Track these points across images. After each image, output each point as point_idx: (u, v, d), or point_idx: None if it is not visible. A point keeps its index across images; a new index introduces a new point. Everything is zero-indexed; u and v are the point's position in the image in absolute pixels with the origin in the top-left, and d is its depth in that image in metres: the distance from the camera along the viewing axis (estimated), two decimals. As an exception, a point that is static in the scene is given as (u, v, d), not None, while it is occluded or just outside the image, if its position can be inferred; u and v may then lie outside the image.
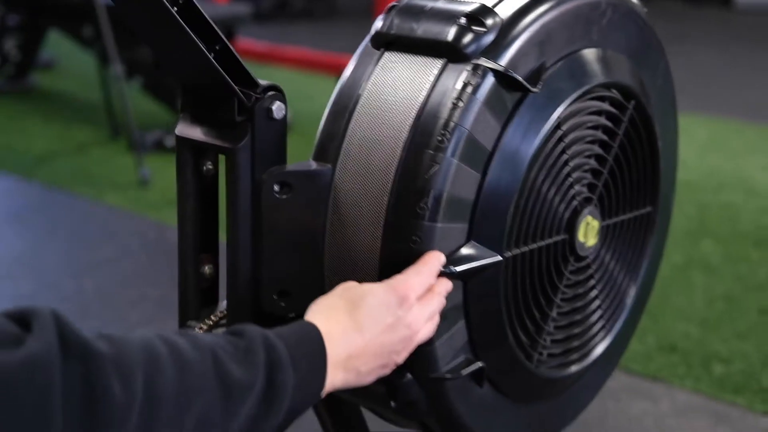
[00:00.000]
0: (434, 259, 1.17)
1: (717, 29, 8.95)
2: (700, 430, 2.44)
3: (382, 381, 1.19)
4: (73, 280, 3.25)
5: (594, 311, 1.44)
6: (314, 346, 1.03)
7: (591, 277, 1.42)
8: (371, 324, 1.09)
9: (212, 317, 1.29)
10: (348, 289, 1.13)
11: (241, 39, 4.54)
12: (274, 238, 1.21)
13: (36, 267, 3.41)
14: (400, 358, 1.13)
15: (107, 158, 4.70)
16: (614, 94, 1.37)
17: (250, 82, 1.20)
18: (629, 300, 1.50)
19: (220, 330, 1.26)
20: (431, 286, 1.16)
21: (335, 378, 1.06)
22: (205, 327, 1.27)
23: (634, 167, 1.44)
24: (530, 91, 1.22)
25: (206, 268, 1.30)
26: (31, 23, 5.75)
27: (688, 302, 3.11)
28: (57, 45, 6.50)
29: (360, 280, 1.19)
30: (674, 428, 2.45)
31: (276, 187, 1.20)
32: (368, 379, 1.11)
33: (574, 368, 1.42)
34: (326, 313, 1.09)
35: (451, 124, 1.17)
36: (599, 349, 1.45)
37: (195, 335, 0.96)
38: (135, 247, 3.65)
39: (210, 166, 1.27)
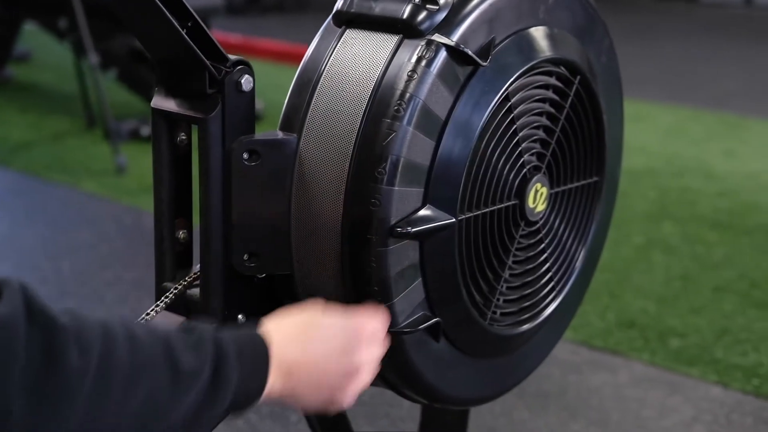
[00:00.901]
0: (386, 312, 1.24)
1: (683, 22, 9.04)
2: (655, 399, 2.51)
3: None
4: (51, 262, 3.32)
5: (545, 273, 1.51)
6: (260, 349, 1.07)
7: (541, 240, 1.49)
8: (319, 345, 1.12)
9: (186, 278, 1.36)
10: (309, 309, 1.17)
11: (214, 31, 4.59)
12: (243, 203, 1.28)
13: (15, 250, 3.47)
14: (342, 397, 1.14)
15: (83, 147, 4.74)
16: (561, 69, 1.44)
17: (220, 57, 1.27)
18: (578, 263, 1.57)
19: (194, 290, 1.34)
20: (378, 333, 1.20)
21: (275, 384, 1.07)
22: (179, 287, 1.34)
23: (580, 139, 1.51)
24: (480, 65, 1.29)
25: (181, 233, 1.36)
26: (7, 16, 5.79)
27: (648, 281, 3.19)
28: (33, 37, 6.53)
29: (323, 240, 1.27)
30: (631, 398, 2.53)
31: (245, 155, 1.26)
32: (305, 402, 1.13)
33: (526, 326, 1.49)
34: (280, 325, 1.12)
35: (407, 94, 1.24)
36: (550, 309, 1.53)
37: (151, 324, 1.02)
38: (112, 232, 3.71)
39: (183, 137, 1.34)
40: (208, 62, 1.25)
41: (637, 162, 4.35)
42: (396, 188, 1.24)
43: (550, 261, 1.52)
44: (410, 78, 1.25)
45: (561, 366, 2.61)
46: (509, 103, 1.36)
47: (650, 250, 3.43)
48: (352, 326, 1.15)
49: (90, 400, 0.89)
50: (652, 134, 4.92)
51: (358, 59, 1.31)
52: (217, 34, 4.42)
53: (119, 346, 0.93)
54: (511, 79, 1.35)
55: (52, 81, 6.16)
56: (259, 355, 1.06)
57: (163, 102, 1.32)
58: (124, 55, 4.95)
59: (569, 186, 1.53)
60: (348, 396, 1.14)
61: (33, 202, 4.06)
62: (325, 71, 1.33)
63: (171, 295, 1.34)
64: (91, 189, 4.13)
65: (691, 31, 8.44)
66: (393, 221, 1.24)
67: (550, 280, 1.53)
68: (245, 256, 1.29)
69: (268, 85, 3.35)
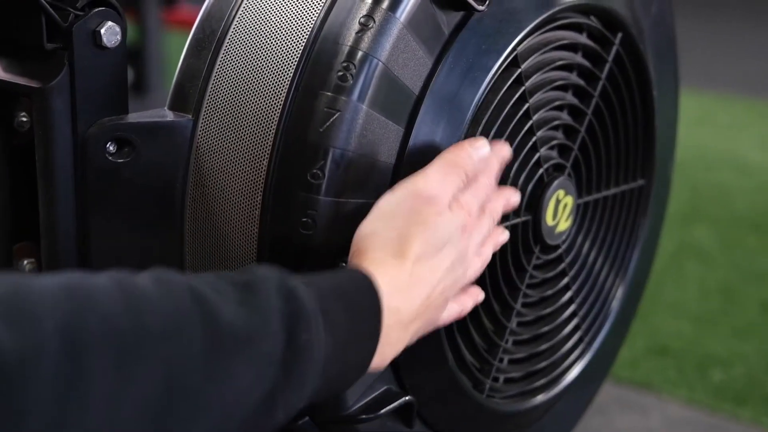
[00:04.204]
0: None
1: (701, 4, 8.84)
2: (696, 448, 2.13)
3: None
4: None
5: (568, 320, 1.15)
6: (363, 299, 0.76)
7: (563, 273, 1.13)
8: (443, 266, 0.82)
9: None
10: (416, 206, 0.83)
11: (184, 7, 4.18)
12: (108, 221, 0.91)
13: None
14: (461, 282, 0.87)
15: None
16: (594, 22, 1.06)
17: (66, -8, 0.88)
18: (615, 303, 1.21)
19: None
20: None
21: (393, 347, 0.79)
22: None
23: (621, 124, 1.14)
24: (475, 9, 0.90)
25: (25, 262, 0.97)
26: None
27: (681, 296, 2.87)
28: None
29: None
30: (666, 445, 2.15)
31: (110, 146, 0.89)
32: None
33: (540, 398, 1.13)
34: (386, 249, 0.80)
35: (359, 53, 0.86)
36: (575, 371, 1.16)
37: (168, 272, 0.69)
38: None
39: (24, 118, 0.94)
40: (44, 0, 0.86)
41: (661, 154, 4.02)
42: (341, 200, 0.86)
43: (576, 302, 1.15)
44: (364, 28, 0.86)
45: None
46: (519, 71, 0.97)
47: (682, 259, 3.10)
48: (462, 207, 0.85)
49: (60, 387, 0.58)
50: (676, 123, 4.57)
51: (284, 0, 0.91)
52: (188, 10, 4.02)
53: (99, 306, 0.62)
54: (522, 35, 0.96)
55: None
56: (361, 309, 0.76)
57: (-16, 65, 0.94)
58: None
59: (604, 193, 1.15)
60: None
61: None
62: (235, 19, 0.92)
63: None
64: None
65: (711, 10, 8.23)
66: (336, 251, 0.87)
67: (576, 329, 1.16)
68: (115, 301, 0.88)
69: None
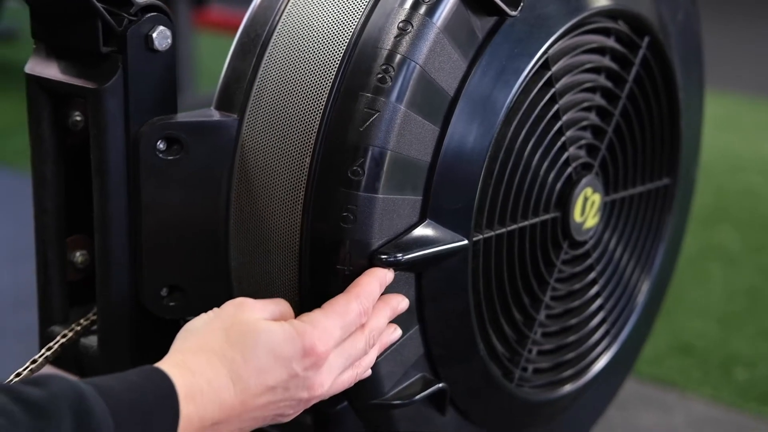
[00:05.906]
0: (372, 282, 0.89)
1: (725, 2, 8.73)
2: (721, 447, 2.13)
3: (308, 410, 0.93)
4: (12, 265, 2.95)
5: (595, 313, 1.18)
6: (161, 410, 0.75)
7: (591, 268, 1.16)
8: (256, 382, 0.81)
9: (82, 321, 0.99)
10: (238, 323, 0.83)
11: (214, 8, 4.22)
12: (158, 215, 0.94)
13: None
14: (286, 419, 0.87)
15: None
16: (622, 26, 1.09)
17: (120, 0, 0.91)
18: (641, 297, 1.23)
19: (93, 338, 1.00)
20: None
21: None
22: (70, 334, 0.98)
23: (647, 125, 1.17)
24: (507, 15, 0.94)
25: (77, 254, 1.02)
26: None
27: (705, 296, 2.83)
28: (18, 15, 6.20)
29: (275, 270, 0.94)
30: (690, 443, 2.15)
31: (161, 145, 0.93)
32: None
33: (567, 388, 1.15)
34: (196, 358, 0.80)
35: (397, 57, 0.89)
36: (601, 362, 1.18)
37: None
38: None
39: (77, 118, 0.99)
40: (100, 6, 0.89)
41: (686, 156, 3.97)
42: (380, 196, 0.90)
43: (603, 296, 1.18)
44: (402, 32, 0.90)
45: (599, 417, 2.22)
46: (549, 73, 1.01)
47: (707, 260, 3.06)
48: (303, 338, 0.83)
49: None
50: (701, 125, 4.53)
51: (326, 5, 0.94)
52: (219, 11, 4.05)
53: None
54: (552, 39, 0.99)
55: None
56: (159, 420, 0.75)
57: (43, 66, 0.97)
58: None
59: (630, 192, 1.18)
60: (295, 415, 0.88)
61: (2, 196, 3.68)
62: (279, 23, 0.96)
63: (57, 346, 0.98)
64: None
65: (734, 11, 8.11)
66: (375, 244, 0.91)
67: (602, 322, 1.19)
68: (163, 291, 0.96)
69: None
